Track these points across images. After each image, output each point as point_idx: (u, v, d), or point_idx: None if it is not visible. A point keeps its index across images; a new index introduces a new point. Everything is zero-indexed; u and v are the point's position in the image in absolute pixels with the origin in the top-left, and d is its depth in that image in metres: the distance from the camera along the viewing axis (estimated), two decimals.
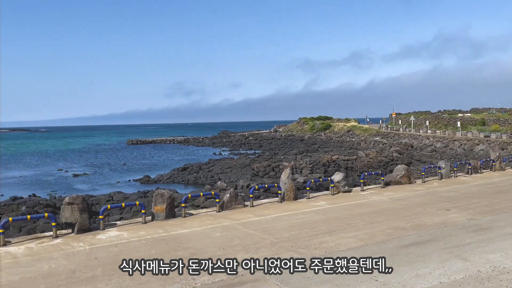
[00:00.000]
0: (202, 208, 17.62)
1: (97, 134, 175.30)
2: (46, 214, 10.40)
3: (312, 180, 16.35)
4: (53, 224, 10.26)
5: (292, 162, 35.85)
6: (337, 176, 15.88)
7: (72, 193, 27.41)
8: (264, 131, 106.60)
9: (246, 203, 13.62)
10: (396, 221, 11.20)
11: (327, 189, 20.38)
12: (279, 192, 14.23)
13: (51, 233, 10.54)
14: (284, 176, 14.46)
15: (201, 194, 13.64)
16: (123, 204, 11.41)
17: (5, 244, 9.65)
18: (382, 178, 17.46)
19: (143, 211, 11.50)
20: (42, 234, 10.96)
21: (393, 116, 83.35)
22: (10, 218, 10.11)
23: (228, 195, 13.11)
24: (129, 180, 35.40)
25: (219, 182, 28.43)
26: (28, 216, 10.26)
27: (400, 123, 76.50)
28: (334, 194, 15.41)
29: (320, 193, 16.55)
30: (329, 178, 16.14)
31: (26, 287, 7.16)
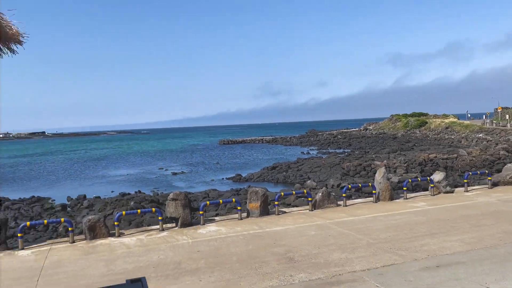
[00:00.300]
0: (293, 206, 17.80)
1: (192, 135, 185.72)
2: (153, 209, 11.35)
3: (410, 180, 15.57)
4: (159, 218, 11.17)
5: (385, 161, 34.43)
6: (438, 176, 14.93)
7: (172, 190, 29.44)
8: (353, 129, 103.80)
9: (339, 202, 13.45)
10: (507, 225, 10.21)
11: (425, 189, 19.28)
12: (373, 192, 13.81)
13: (157, 226, 11.48)
14: (379, 175, 13.99)
15: (293, 192, 13.78)
16: (221, 201, 12.00)
17: (119, 235, 10.73)
18: (489, 178, 16.00)
19: (238, 207, 11.97)
20: (150, 227, 11.96)
21: (499, 110, 75.66)
22: (124, 212, 11.21)
23: (320, 194, 13.07)
24: (222, 178, 36.92)
25: (309, 181, 28.37)
26: (139, 211, 11.29)
27: (507, 118, 69.17)
28: (434, 195, 14.51)
29: (417, 194, 15.69)
30: (428, 178, 15.23)
31: (139, 275, 7.89)
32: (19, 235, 10.00)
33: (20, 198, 28.47)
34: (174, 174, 41.98)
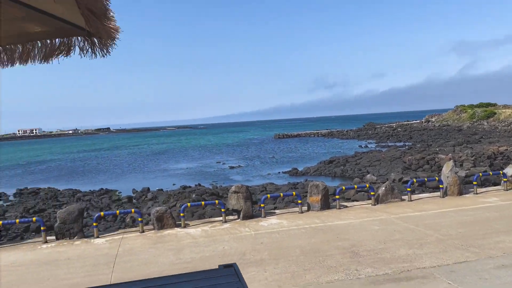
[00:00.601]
0: (353, 201, 17.49)
1: (247, 129, 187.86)
2: (216, 201, 11.67)
3: (480, 174, 14.70)
4: (222, 210, 11.46)
5: (450, 154, 32.73)
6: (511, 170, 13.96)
7: (230, 183, 30.06)
8: (414, 121, 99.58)
9: (403, 197, 13.02)
10: None
11: (495, 184, 18.14)
12: (440, 186, 13.20)
13: (220, 218, 11.79)
14: (446, 169, 13.34)
15: (355, 186, 13.52)
16: (281, 194, 12.06)
17: (185, 226, 11.15)
18: None
19: (299, 201, 11.97)
20: (213, 219, 12.31)
21: None
22: (189, 204, 11.63)
23: (383, 188, 12.72)
24: (279, 172, 37.03)
25: (368, 175, 27.68)
26: (202, 203, 11.66)
27: None
28: (507, 190, 13.59)
29: (488, 188, 14.77)
30: (500, 172, 14.29)
31: (207, 264, 8.16)
32: (94, 224, 10.70)
33: (90, 190, 30.45)
34: (231, 167, 42.74)
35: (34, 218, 10.50)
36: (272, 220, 11.28)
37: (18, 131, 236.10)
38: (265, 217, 11.60)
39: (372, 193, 12.60)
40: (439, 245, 8.36)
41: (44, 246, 10.10)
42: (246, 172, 39.30)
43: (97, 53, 2.51)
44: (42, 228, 10.27)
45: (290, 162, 44.02)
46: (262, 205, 11.71)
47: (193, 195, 21.24)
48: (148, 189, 28.23)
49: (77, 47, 2.61)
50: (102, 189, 30.41)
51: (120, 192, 29.30)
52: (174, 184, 31.80)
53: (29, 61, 2.75)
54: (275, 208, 17.19)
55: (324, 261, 7.77)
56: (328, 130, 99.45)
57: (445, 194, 13.08)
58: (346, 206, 12.65)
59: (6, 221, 11.28)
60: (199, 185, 28.63)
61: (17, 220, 10.83)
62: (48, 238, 10.56)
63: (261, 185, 26.68)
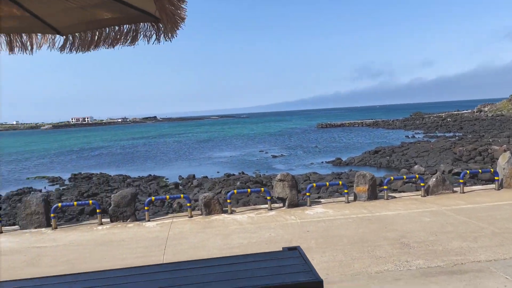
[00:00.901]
0: (400, 192, 17.05)
1: (289, 118, 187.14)
2: (262, 189, 11.77)
3: None
4: (268, 198, 11.55)
5: (505, 145, 31.05)
6: None
7: (273, 172, 30.18)
8: (465, 111, 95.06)
9: (455, 189, 12.53)
10: None
11: None
12: (495, 178, 12.58)
13: (265, 205, 11.90)
14: (503, 160, 12.68)
15: (404, 177, 13.15)
16: (327, 183, 11.96)
17: (231, 212, 11.36)
18: None
19: (345, 191, 11.84)
20: (258, 206, 12.45)
21: None
22: (235, 191, 11.82)
23: (434, 179, 12.30)
24: (322, 162, 36.71)
25: (416, 166, 26.88)
26: (249, 190, 11.79)
27: None
28: None
29: None
30: None
31: (255, 250, 8.30)
32: (145, 208, 11.15)
33: (139, 176, 31.65)
34: (274, 157, 42.85)
35: (90, 201, 11.09)
36: (317, 209, 11.24)
37: (72, 119, 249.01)
38: (310, 206, 11.58)
39: (422, 184, 12.22)
40: (495, 238, 8.01)
41: (100, 227, 10.65)
42: (289, 161, 39.26)
43: (162, 39, 2.59)
44: (97, 210, 10.83)
45: (334, 152, 43.50)
46: (307, 194, 11.69)
47: (238, 183, 21.55)
48: (194, 176, 28.94)
49: (142, 33, 2.70)
50: (150, 175, 31.53)
51: (167, 179, 30.24)
52: (218, 172, 32.37)
53: (97, 47, 2.89)
54: (319, 197, 17.11)
55: (372, 251, 7.66)
56: (373, 120, 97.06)
57: (500, 187, 12.46)
58: (394, 197, 12.36)
59: (64, 203, 12.01)
60: (243, 173, 28.98)
61: (75, 203, 11.48)
62: (102, 220, 11.12)
63: (304, 175, 26.59)
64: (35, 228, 10.75)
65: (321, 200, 12.78)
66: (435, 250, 7.51)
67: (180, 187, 26.20)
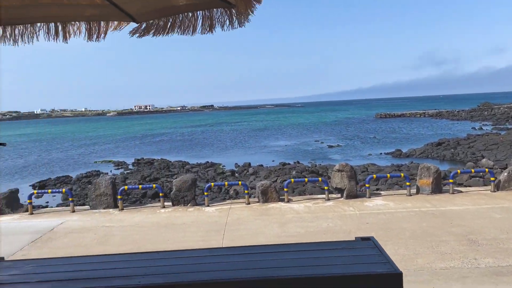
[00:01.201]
0: (466, 186, 16.13)
1: (346, 108, 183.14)
2: (319, 179, 11.66)
3: None
4: (325, 188, 11.44)
5: None
6: None
7: (329, 162, 29.78)
8: None
9: None
10: None
11: None
12: None
13: (323, 196, 11.78)
14: None
15: (472, 170, 12.44)
16: (388, 175, 11.60)
17: (288, 201, 11.38)
18: None
19: (407, 183, 11.41)
20: (315, 196, 12.36)
21: None
22: (292, 180, 11.83)
23: (506, 173, 11.50)
24: (380, 153, 35.60)
25: (484, 159, 25.18)
26: (306, 179, 11.77)
27: None
28: None
29: None
30: None
31: (312, 239, 8.27)
32: (205, 193, 11.47)
33: (197, 162, 32.59)
34: (330, 146, 42.21)
35: (154, 185, 11.60)
36: (377, 201, 10.95)
37: (135, 106, 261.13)
38: (369, 197, 11.30)
39: (492, 178, 11.48)
40: None
41: (162, 210, 11.13)
42: (346, 151, 38.49)
43: (235, 25, 2.60)
44: (160, 194, 11.32)
45: (393, 143, 42.00)
46: (367, 185, 11.41)
47: (293, 172, 21.51)
48: (249, 164, 29.28)
49: (215, 20, 2.73)
50: (207, 162, 32.35)
51: (224, 166, 30.86)
52: (273, 161, 32.49)
53: (172, 32, 2.96)
54: (377, 189, 16.64)
55: (437, 246, 7.35)
56: (436, 110, 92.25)
57: None
58: (460, 191, 11.73)
59: (130, 186, 12.67)
60: (298, 162, 28.86)
61: (140, 186, 12.08)
62: (164, 204, 11.60)
63: (362, 166, 25.97)
64: (104, 208, 11.46)
65: (381, 192, 12.43)
66: (507, 249, 7.05)
67: (236, 174, 26.63)
